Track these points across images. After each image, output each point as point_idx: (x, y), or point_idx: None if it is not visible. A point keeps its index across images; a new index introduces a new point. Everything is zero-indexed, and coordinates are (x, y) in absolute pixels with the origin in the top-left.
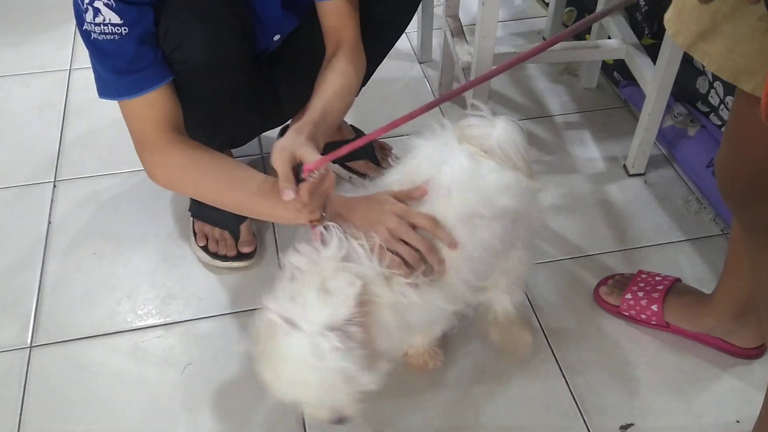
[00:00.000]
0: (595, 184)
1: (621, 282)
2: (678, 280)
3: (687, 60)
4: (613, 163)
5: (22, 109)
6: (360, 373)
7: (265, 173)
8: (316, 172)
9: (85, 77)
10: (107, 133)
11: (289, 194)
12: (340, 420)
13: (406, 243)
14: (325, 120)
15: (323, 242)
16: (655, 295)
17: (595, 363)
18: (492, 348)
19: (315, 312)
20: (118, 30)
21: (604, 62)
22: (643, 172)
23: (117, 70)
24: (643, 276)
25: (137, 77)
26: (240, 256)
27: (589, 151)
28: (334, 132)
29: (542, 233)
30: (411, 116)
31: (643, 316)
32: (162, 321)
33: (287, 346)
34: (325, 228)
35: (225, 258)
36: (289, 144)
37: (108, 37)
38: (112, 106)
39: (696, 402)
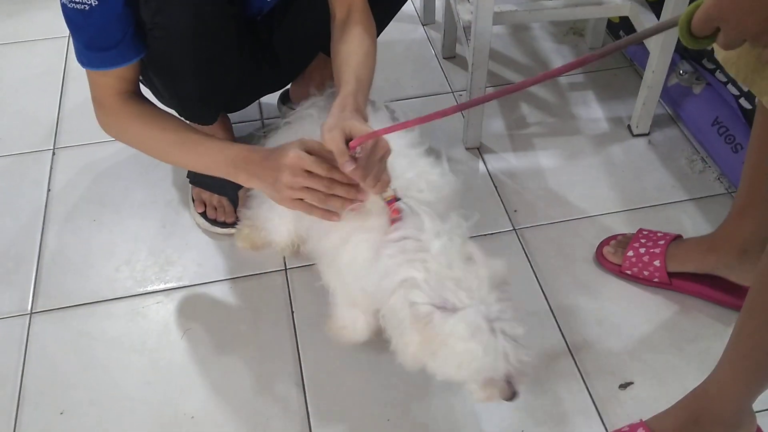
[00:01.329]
0: (599, 145)
1: (623, 242)
2: (679, 236)
3: None
4: (617, 123)
5: (21, 77)
6: (522, 335)
7: (264, 136)
8: (363, 146)
9: None
10: None
11: (348, 165)
12: (514, 394)
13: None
14: (361, 88)
15: (400, 218)
16: (657, 250)
17: (594, 323)
18: None
19: (467, 285)
20: (87, 1)
21: (609, 21)
22: (647, 132)
23: (84, 42)
24: (644, 233)
25: (103, 55)
26: (239, 222)
27: (593, 112)
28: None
29: (545, 195)
30: (444, 113)
31: (646, 273)
32: (161, 287)
33: (452, 329)
34: (396, 199)
35: (223, 224)
36: (337, 122)
37: (77, 6)
38: None
39: (695, 360)
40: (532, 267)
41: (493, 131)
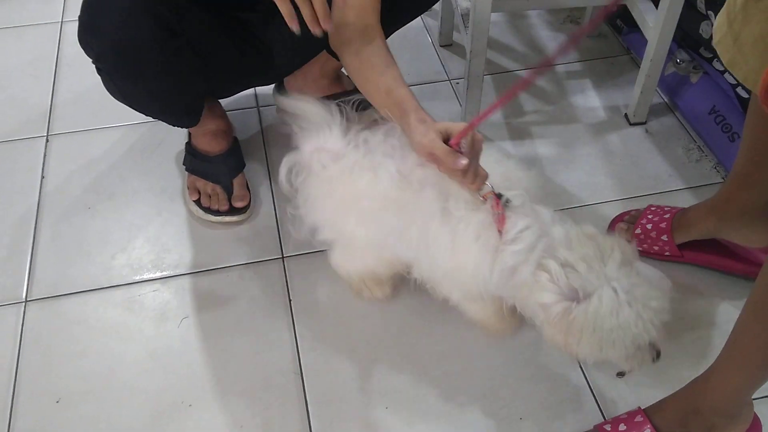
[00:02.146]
0: (596, 133)
1: (634, 217)
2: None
3: (690, 4)
4: (614, 112)
5: (14, 63)
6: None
7: (260, 127)
8: (464, 141)
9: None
10: (100, 87)
11: (462, 161)
12: (658, 353)
13: None
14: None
15: (503, 212)
16: (663, 225)
17: None
18: None
19: (596, 266)
20: None
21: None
22: (644, 120)
23: None
24: (653, 209)
25: None
26: (233, 211)
27: (590, 101)
28: (333, 84)
29: (542, 184)
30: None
31: (656, 248)
32: (157, 275)
33: (594, 315)
34: (496, 195)
35: (217, 212)
36: (429, 136)
37: None
38: None
39: (692, 349)
40: None
41: (490, 119)
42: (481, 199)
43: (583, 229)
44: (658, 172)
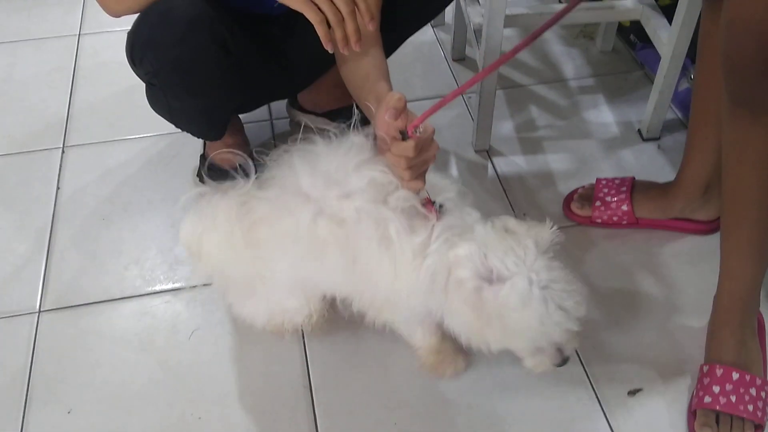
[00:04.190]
0: (609, 149)
1: (586, 194)
2: (633, 178)
3: None
4: (627, 128)
5: (32, 75)
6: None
7: (274, 140)
8: (422, 128)
9: (95, 43)
10: (116, 99)
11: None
12: (564, 360)
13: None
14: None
15: (436, 214)
16: (622, 196)
17: (603, 329)
18: None
19: (514, 253)
20: None
21: (620, 24)
22: (657, 136)
23: None
24: (603, 182)
25: None
26: None
27: (603, 116)
28: (346, 95)
29: (554, 198)
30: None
31: (615, 218)
32: (169, 286)
33: (504, 300)
34: (431, 201)
35: None
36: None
37: None
38: (121, 72)
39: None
40: None
41: (503, 134)
42: (423, 210)
43: (505, 223)
44: None
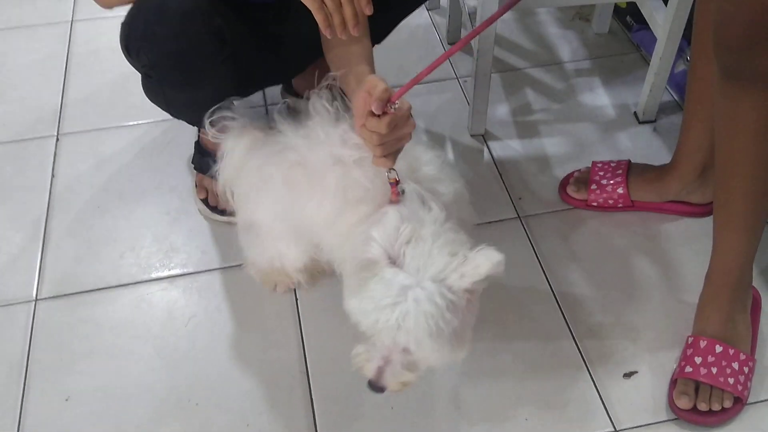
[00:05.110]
0: (605, 132)
1: (582, 178)
2: (629, 161)
3: None
4: (623, 110)
5: (25, 63)
6: (450, 335)
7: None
8: (398, 104)
9: (88, 30)
10: (110, 86)
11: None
12: (369, 382)
13: None
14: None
15: (396, 197)
16: (618, 179)
17: (599, 312)
18: (495, 299)
19: (428, 265)
20: None
21: (616, 6)
22: (653, 119)
23: None
24: (599, 165)
25: None
26: None
27: (599, 99)
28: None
29: (550, 182)
30: (432, 68)
31: (611, 201)
32: (165, 274)
33: (377, 284)
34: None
35: (223, 212)
36: (372, 82)
37: None
38: (114, 59)
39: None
40: (536, 255)
41: (498, 118)
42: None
43: (456, 237)
44: None
